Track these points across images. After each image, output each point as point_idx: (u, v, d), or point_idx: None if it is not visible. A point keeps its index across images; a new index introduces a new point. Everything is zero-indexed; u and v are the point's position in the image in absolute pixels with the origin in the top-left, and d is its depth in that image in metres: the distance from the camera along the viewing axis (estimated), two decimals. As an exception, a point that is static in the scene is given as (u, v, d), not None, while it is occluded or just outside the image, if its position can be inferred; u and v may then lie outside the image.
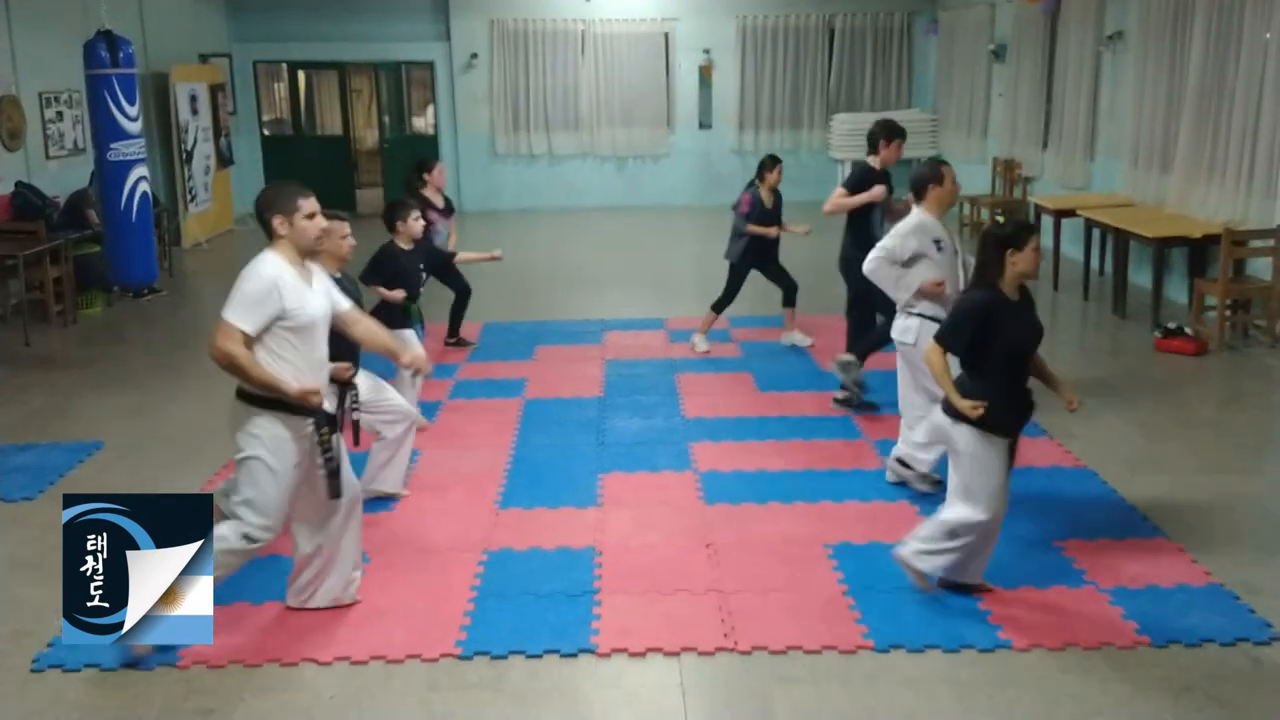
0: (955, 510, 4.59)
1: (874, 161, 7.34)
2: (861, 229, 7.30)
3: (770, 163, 8.47)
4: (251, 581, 4.92)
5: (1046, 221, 11.46)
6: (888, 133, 7.23)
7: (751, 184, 8.51)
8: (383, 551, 5.23)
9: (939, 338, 4.61)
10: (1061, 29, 12.59)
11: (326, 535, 4.55)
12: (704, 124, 17.71)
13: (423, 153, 17.17)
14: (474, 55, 16.98)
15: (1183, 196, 9.80)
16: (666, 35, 17.22)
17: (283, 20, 16.83)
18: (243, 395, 4.26)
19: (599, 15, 16.92)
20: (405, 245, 6.95)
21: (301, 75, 18.41)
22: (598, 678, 4.22)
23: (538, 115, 17.24)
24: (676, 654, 4.35)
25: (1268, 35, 8.64)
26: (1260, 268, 8.71)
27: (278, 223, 4.25)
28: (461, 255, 8.49)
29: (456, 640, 4.44)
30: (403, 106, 18.12)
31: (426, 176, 8.64)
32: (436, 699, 4.08)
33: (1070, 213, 10.78)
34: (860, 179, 7.35)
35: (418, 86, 18.39)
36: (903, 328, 5.80)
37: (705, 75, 17.49)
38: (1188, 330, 8.57)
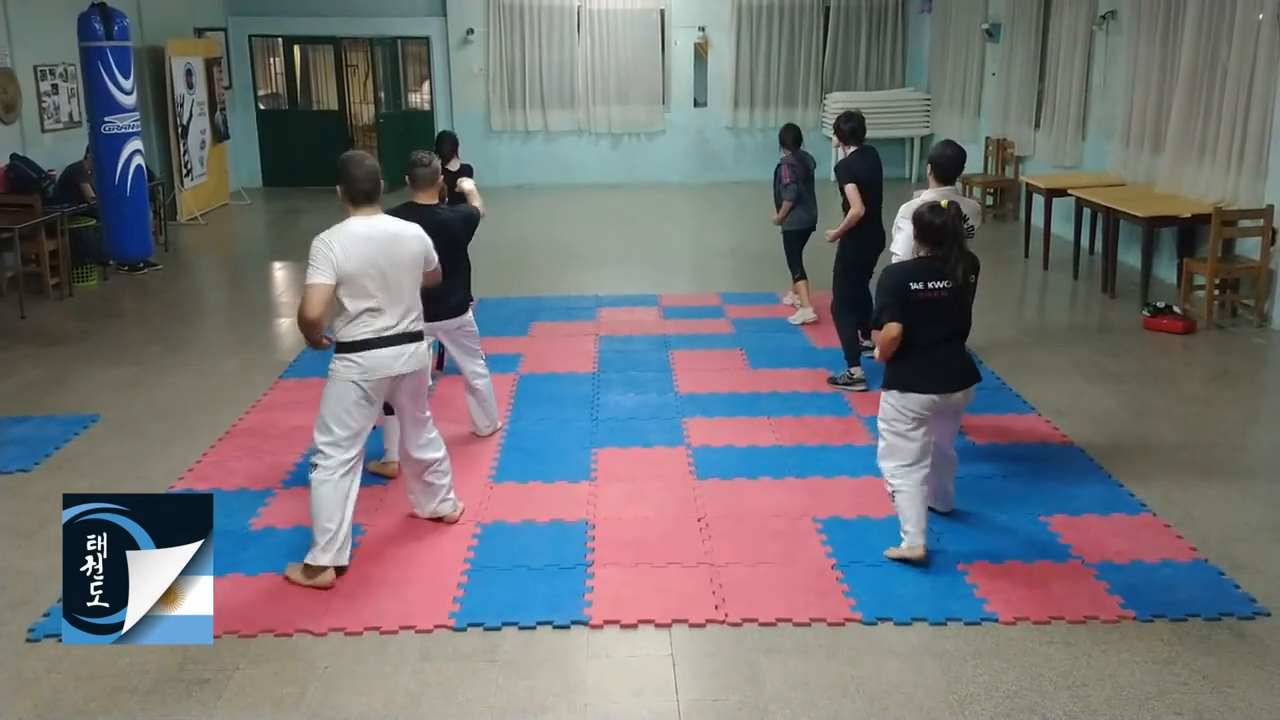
0: None
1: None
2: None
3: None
4: (247, 553, 4.98)
5: (1038, 200, 11.50)
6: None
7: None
8: (377, 524, 5.28)
9: None
10: (1055, 8, 12.57)
11: None
12: (699, 101, 17.67)
13: (419, 128, 17.26)
14: (470, 31, 16.93)
15: (1173, 176, 9.83)
16: (662, 12, 17.15)
17: (278, -6, 16.79)
18: None
19: (595, -9, 16.88)
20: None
21: (297, 50, 18.30)
22: (590, 649, 4.27)
23: (533, 92, 17.20)
24: (668, 625, 4.40)
25: (1260, 16, 8.65)
26: (1249, 247, 8.75)
27: None
28: None
29: (450, 612, 4.50)
30: (399, 82, 18.05)
31: None
32: (430, 669, 4.13)
33: (1061, 192, 10.81)
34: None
35: (414, 62, 18.31)
36: None
37: (700, 53, 17.44)
38: (1176, 309, 8.63)
